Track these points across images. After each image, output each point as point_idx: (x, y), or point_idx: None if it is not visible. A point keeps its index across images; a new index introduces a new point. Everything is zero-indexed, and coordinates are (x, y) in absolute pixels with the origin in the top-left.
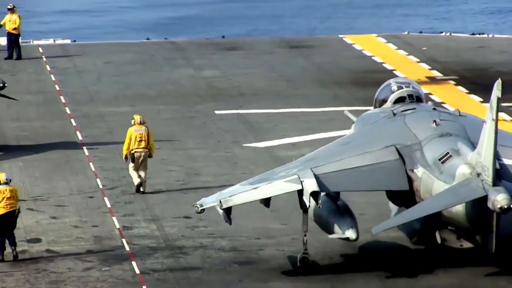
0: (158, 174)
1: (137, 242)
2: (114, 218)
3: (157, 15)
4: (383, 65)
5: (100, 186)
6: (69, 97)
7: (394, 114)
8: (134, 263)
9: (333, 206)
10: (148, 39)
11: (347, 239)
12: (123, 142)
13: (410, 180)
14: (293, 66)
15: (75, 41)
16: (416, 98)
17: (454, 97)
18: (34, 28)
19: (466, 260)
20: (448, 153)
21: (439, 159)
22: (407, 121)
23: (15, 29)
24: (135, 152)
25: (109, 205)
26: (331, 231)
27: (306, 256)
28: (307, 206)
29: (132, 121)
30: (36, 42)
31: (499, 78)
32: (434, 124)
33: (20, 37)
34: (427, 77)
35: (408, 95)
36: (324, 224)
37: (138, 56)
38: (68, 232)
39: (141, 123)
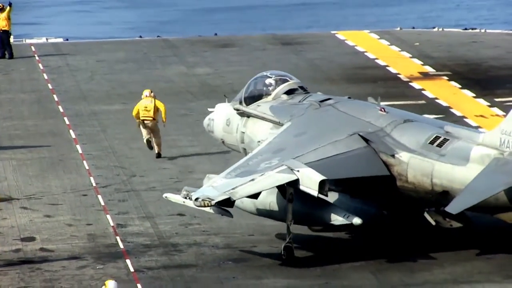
0: (151, 172)
1: (131, 239)
2: (108, 216)
3: (148, 13)
4: (376, 61)
5: (94, 184)
6: (62, 96)
7: (320, 105)
8: (128, 261)
9: (313, 197)
10: (140, 37)
11: (350, 225)
12: (116, 139)
13: (387, 166)
14: (285, 63)
15: (67, 39)
16: (305, 89)
17: (447, 93)
18: (26, 27)
19: (460, 255)
20: (438, 136)
21: (430, 143)
22: (346, 110)
23: (5, 30)
24: (144, 120)
25: (103, 203)
26: (320, 221)
27: (290, 245)
28: (316, 195)
29: (142, 95)
30: (28, 41)
31: None
32: (383, 111)
33: (11, 36)
34: (420, 73)
35: (299, 86)
36: (307, 215)
37: (131, 54)
38: (62, 230)
39: (148, 96)
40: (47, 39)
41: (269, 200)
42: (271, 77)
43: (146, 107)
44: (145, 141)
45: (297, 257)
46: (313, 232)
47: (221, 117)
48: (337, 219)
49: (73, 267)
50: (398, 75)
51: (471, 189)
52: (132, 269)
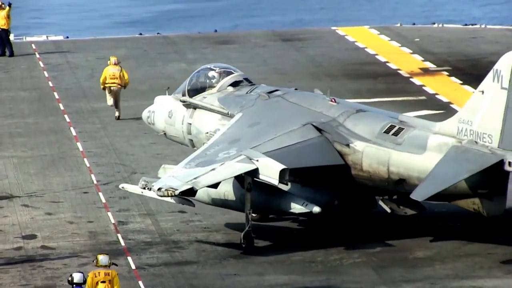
0: (152, 169)
1: (133, 237)
2: (109, 213)
3: (149, 10)
4: (376, 57)
5: (95, 182)
6: (63, 93)
7: (269, 96)
8: (129, 258)
9: (270, 186)
10: (140, 34)
11: (309, 213)
12: (117, 137)
13: (341, 155)
14: (285, 59)
15: (67, 37)
16: (250, 81)
17: (448, 88)
18: (26, 24)
19: (461, 250)
20: (393, 125)
21: (385, 132)
22: (296, 101)
23: (4, 28)
24: (110, 86)
25: (104, 201)
26: (278, 210)
27: (250, 232)
28: (276, 184)
29: (108, 62)
30: (28, 39)
31: None
32: (333, 101)
33: (10, 34)
34: (420, 69)
35: (244, 78)
36: (265, 204)
37: (131, 51)
38: (63, 228)
39: (115, 64)
40: (47, 36)
41: (224, 189)
42: (214, 70)
43: (114, 74)
44: (109, 104)
45: (256, 246)
46: (312, 229)
47: (163, 109)
48: (295, 207)
49: (74, 264)
50: (399, 71)
51: (435, 176)
52: (133, 266)
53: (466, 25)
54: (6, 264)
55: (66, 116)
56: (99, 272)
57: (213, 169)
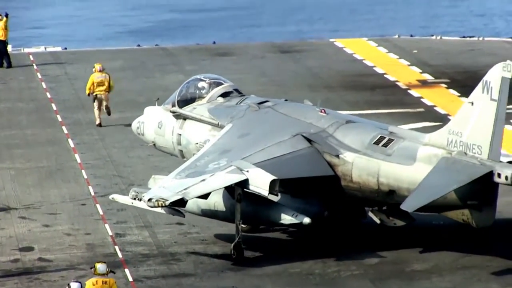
0: None
1: (130, 249)
2: (107, 225)
3: (147, 21)
4: (374, 68)
5: (92, 194)
6: (61, 105)
7: (259, 107)
8: (127, 270)
9: (260, 197)
10: (138, 45)
11: (299, 224)
12: (114, 148)
13: (331, 166)
14: (284, 71)
15: (65, 48)
16: (240, 92)
17: (445, 100)
18: (24, 36)
19: (459, 263)
20: (382, 137)
21: (375, 143)
22: (286, 112)
23: (1, 40)
24: (97, 94)
25: (101, 212)
26: (268, 221)
27: (240, 242)
28: (266, 195)
29: (93, 69)
30: (26, 50)
31: (508, 60)
32: (323, 112)
33: (8, 45)
34: (418, 80)
35: (234, 89)
36: (255, 215)
37: (129, 62)
38: (61, 240)
39: (101, 71)
40: (45, 48)
41: (214, 200)
42: (204, 80)
43: (101, 81)
44: (97, 124)
45: (252, 257)
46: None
47: (152, 120)
48: (285, 218)
49: (72, 276)
50: (397, 83)
51: (425, 188)
52: (131, 279)
53: (464, 37)
54: (3, 276)
55: (64, 127)
56: (97, 281)
57: (204, 180)
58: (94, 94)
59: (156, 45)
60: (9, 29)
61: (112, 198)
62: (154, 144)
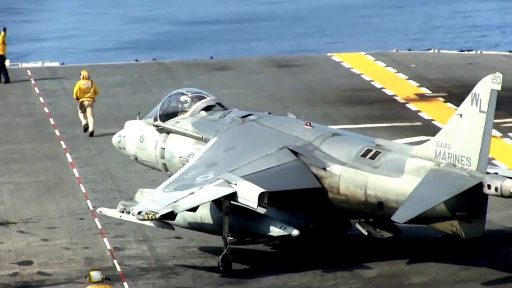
0: None
1: (129, 263)
2: (105, 239)
3: (145, 36)
4: (372, 83)
5: (91, 208)
6: (58, 119)
7: (243, 121)
8: (125, 284)
9: (248, 209)
10: (136, 60)
11: (289, 236)
12: (113, 163)
13: (318, 178)
14: (281, 85)
15: (63, 63)
16: (222, 105)
17: (443, 114)
18: (21, 51)
19: (457, 276)
20: (369, 149)
21: (362, 155)
22: (271, 125)
23: (0, 54)
24: (83, 100)
25: (100, 227)
26: (256, 233)
27: (228, 254)
28: (255, 207)
29: (81, 76)
30: (24, 65)
31: (497, 72)
32: (308, 125)
33: (6, 60)
34: (416, 94)
35: (217, 103)
36: (243, 227)
37: (127, 77)
38: (59, 254)
39: (87, 78)
40: (42, 63)
41: (201, 213)
42: (187, 94)
43: (87, 88)
44: (83, 125)
45: (234, 269)
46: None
47: (134, 134)
48: (274, 230)
49: None
50: (395, 97)
51: (416, 199)
52: None
53: (462, 51)
54: None
55: (62, 142)
56: None
57: (192, 193)
58: (80, 101)
59: (153, 59)
60: (7, 43)
61: (100, 211)
62: (136, 158)
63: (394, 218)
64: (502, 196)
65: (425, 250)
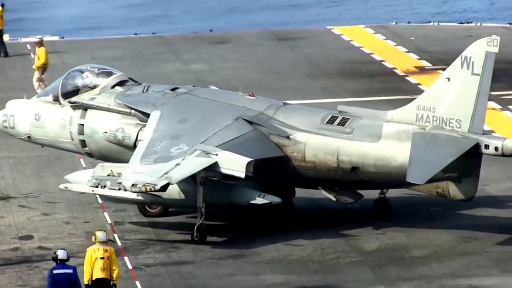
0: None
1: (129, 237)
2: (106, 214)
3: (143, 10)
4: (372, 56)
5: None
6: None
7: (176, 94)
8: (126, 258)
9: (219, 181)
10: (135, 34)
11: (270, 204)
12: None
13: (279, 147)
14: (281, 59)
15: (63, 37)
16: (134, 80)
17: None
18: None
19: (458, 249)
20: (334, 116)
21: (328, 123)
22: (211, 97)
23: None
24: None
25: (100, 201)
26: (234, 203)
27: (202, 225)
28: (243, 176)
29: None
30: (24, 40)
31: (493, 35)
32: (252, 96)
33: (4, 34)
34: (416, 67)
35: (129, 78)
36: (223, 198)
37: (126, 51)
38: (60, 228)
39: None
40: (42, 37)
41: (173, 187)
42: (92, 70)
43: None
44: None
45: (209, 241)
46: (312, 232)
47: (26, 113)
48: (255, 199)
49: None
50: (394, 70)
51: (427, 160)
52: (130, 266)
53: (461, 23)
54: (3, 265)
55: None
56: (98, 248)
57: (178, 164)
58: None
59: (153, 33)
60: (4, 18)
61: (65, 187)
62: (29, 137)
63: (410, 179)
64: (503, 155)
65: (425, 223)
